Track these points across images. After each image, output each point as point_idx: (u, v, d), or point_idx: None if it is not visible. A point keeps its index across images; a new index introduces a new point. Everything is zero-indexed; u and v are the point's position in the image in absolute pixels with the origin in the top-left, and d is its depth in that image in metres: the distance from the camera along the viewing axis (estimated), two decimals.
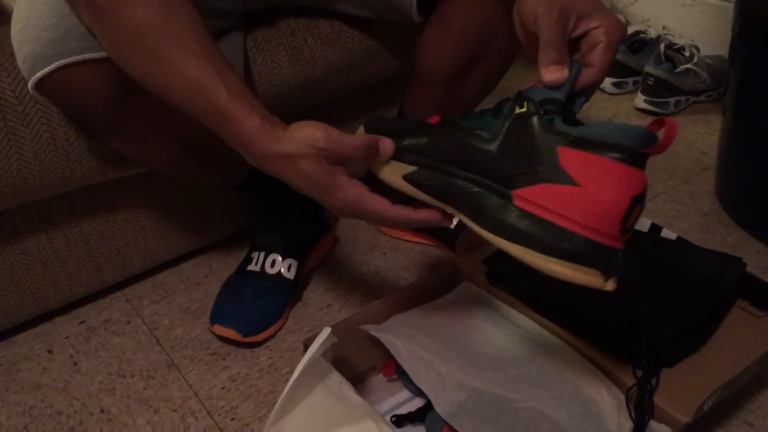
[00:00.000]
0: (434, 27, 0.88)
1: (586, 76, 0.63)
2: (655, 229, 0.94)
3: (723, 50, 1.25)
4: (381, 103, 1.20)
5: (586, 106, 0.67)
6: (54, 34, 0.70)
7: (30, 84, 0.73)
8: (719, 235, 1.14)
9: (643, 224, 0.95)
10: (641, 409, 0.72)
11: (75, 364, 0.94)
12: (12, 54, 0.77)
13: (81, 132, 0.84)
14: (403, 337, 0.80)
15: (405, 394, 0.83)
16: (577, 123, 0.61)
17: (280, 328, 0.97)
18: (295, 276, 1.00)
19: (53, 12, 0.71)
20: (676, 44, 1.52)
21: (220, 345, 0.96)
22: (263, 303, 0.96)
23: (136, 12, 0.63)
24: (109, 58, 0.71)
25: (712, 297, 0.83)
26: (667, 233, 0.94)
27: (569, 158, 0.58)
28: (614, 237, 0.58)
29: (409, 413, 0.79)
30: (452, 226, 1.06)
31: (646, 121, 1.26)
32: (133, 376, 0.92)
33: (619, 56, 1.32)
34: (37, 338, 0.98)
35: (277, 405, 0.72)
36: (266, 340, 0.95)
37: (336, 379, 0.74)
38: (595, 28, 0.62)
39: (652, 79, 1.48)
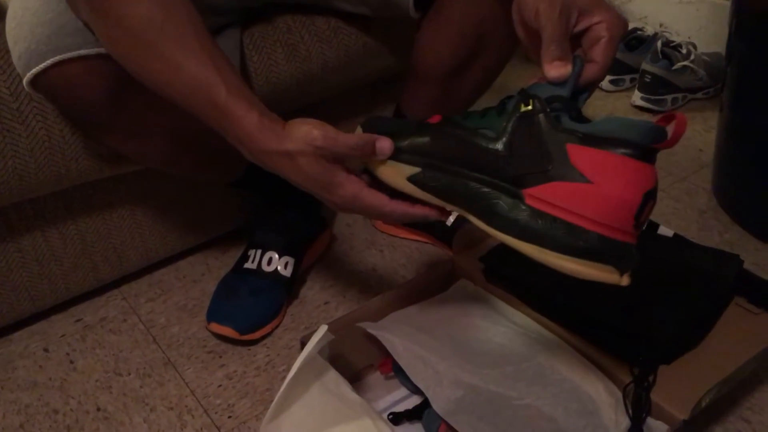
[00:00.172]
0: (431, 24, 0.88)
1: (589, 71, 0.62)
2: (652, 226, 0.94)
3: (720, 47, 1.25)
4: (378, 101, 1.20)
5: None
6: (49, 30, 0.70)
7: (25, 81, 0.73)
8: (716, 232, 1.14)
9: None
10: (638, 406, 0.72)
11: (71, 362, 0.94)
12: (7, 51, 0.76)
13: (76, 129, 0.84)
14: (400, 335, 0.80)
15: (402, 391, 0.83)
16: (584, 119, 0.61)
17: (276, 326, 0.97)
18: (292, 274, 0.99)
19: (48, 8, 0.70)
20: (673, 41, 1.52)
21: (217, 343, 0.95)
22: (260, 301, 0.96)
23: (136, 9, 0.63)
24: (105, 54, 0.70)
25: (710, 294, 0.83)
26: (664, 230, 0.94)
27: (579, 155, 0.58)
28: (628, 233, 0.58)
29: (407, 411, 0.79)
30: (449, 223, 1.07)
31: (643, 118, 1.26)
32: (129, 374, 0.92)
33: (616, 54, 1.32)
34: (33, 336, 0.98)
35: (273, 403, 0.72)
36: (263, 338, 0.95)
37: (333, 377, 0.74)
38: (596, 24, 0.62)
39: (649, 77, 1.48)
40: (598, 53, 0.62)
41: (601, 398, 0.74)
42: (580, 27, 0.63)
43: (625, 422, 0.72)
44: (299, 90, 1.00)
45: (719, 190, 1.21)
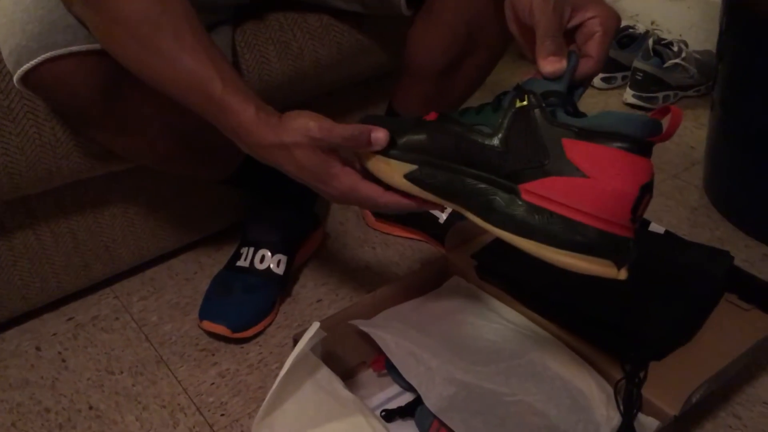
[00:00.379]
0: (424, 21, 0.88)
1: (584, 66, 0.62)
2: (644, 223, 0.95)
3: (711, 45, 1.25)
4: (371, 98, 1.20)
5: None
6: (40, 26, 0.70)
7: (15, 78, 0.72)
8: (707, 229, 1.15)
9: None
10: (630, 402, 0.72)
11: (63, 360, 0.94)
12: None
13: (68, 127, 0.84)
14: (392, 332, 0.80)
15: (395, 388, 0.83)
16: (579, 114, 0.61)
17: (269, 324, 0.97)
18: (285, 271, 0.99)
19: (39, 4, 0.70)
20: (664, 39, 1.53)
21: (210, 341, 0.95)
22: (252, 299, 0.96)
23: (132, 4, 0.63)
24: (97, 51, 0.70)
25: (701, 290, 0.84)
26: (656, 227, 0.95)
27: (575, 150, 0.58)
28: (625, 226, 0.58)
29: (399, 408, 0.79)
30: (441, 220, 1.07)
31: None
32: (121, 372, 0.91)
33: None
34: (24, 335, 0.98)
35: (266, 400, 0.72)
36: (256, 335, 0.95)
37: (325, 374, 0.74)
38: (590, 19, 0.62)
39: (641, 74, 1.49)
40: (593, 48, 0.62)
41: (593, 394, 0.75)
42: (573, 22, 0.63)
43: (617, 418, 0.72)
44: (292, 87, 0.99)
45: (710, 187, 1.22)
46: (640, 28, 1.65)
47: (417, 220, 1.11)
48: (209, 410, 0.85)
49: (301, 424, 0.73)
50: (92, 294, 1.04)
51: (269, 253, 0.99)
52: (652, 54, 1.50)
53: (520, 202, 0.60)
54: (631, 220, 0.58)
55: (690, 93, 1.55)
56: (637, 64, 1.49)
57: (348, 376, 0.84)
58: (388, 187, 0.67)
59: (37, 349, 0.96)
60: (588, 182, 0.57)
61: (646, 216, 0.96)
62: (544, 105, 0.60)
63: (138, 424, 0.84)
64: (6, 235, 0.92)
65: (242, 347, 0.94)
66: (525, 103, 0.61)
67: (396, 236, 1.14)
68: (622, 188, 0.57)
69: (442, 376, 0.76)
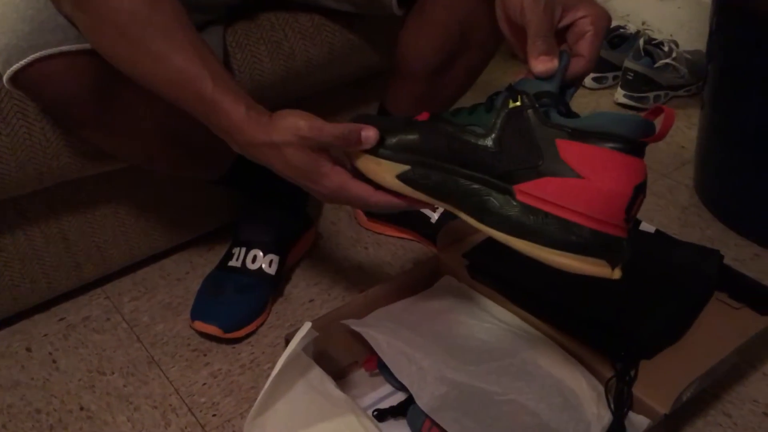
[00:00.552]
0: (415, 21, 0.88)
1: (576, 65, 0.63)
2: (634, 222, 0.95)
3: (702, 45, 1.26)
4: (363, 98, 1.20)
5: None
6: (30, 26, 0.69)
7: (5, 77, 0.72)
8: (698, 228, 1.15)
9: None
10: (620, 401, 0.73)
11: (54, 361, 0.93)
12: None
13: (58, 127, 0.83)
14: (384, 332, 0.80)
15: (387, 388, 0.84)
16: (572, 114, 0.61)
17: (261, 324, 0.97)
18: (277, 271, 0.99)
19: (29, 4, 0.70)
20: (655, 39, 1.54)
21: (201, 341, 0.95)
22: (244, 299, 0.95)
23: (122, 3, 0.63)
24: (87, 50, 0.70)
25: (691, 289, 0.84)
26: (646, 226, 0.95)
27: (569, 150, 0.58)
28: (619, 226, 0.59)
29: (391, 407, 0.79)
30: (433, 220, 1.07)
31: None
32: (113, 373, 0.91)
33: None
34: (15, 336, 0.97)
35: (258, 400, 0.72)
36: (248, 335, 0.95)
37: (317, 374, 0.74)
38: (581, 18, 0.63)
39: (632, 74, 1.50)
40: (584, 47, 0.63)
41: (584, 393, 0.75)
42: (564, 22, 0.63)
43: (607, 416, 0.73)
44: (283, 87, 0.99)
45: (701, 187, 1.22)
46: (631, 28, 1.66)
47: (409, 220, 1.11)
48: (201, 410, 0.85)
49: (293, 424, 0.73)
50: (83, 294, 1.04)
51: (261, 253, 0.99)
52: (642, 54, 1.50)
53: (514, 203, 0.61)
54: (625, 220, 0.59)
55: (681, 93, 1.56)
56: (628, 64, 1.50)
57: (340, 375, 0.85)
58: (378, 186, 0.67)
59: (28, 350, 0.95)
60: (582, 183, 0.58)
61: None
62: (537, 105, 0.60)
63: (129, 424, 0.84)
64: None
65: (234, 347, 0.94)
66: (518, 103, 0.61)
67: (388, 236, 1.14)
68: (617, 189, 0.57)
69: (433, 375, 0.76)
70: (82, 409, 0.86)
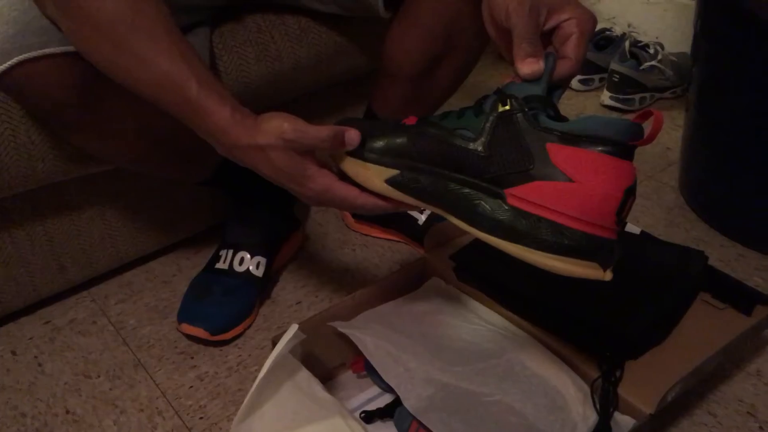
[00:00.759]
0: (401, 23, 0.89)
1: (563, 67, 0.63)
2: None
3: (687, 47, 1.27)
4: (350, 100, 1.20)
5: None
6: (14, 28, 0.69)
7: None
8: (683, 229, 1.16)
9: None
10: (606, 401, 0.73)
11: (39, 365, 0.93)
12: None
13: (43, 129, 0.83)
14: (371, 333, 0.80)
15: (374, 390, 0.84)
16: (560, 117, 0.62)
17: (248, 327, 0.97)
18: (264, 274, 0.99)
19: (12, 6, 0.70)
20: (640, 42, 1.55)
21: (188, 344, 0.95)
22: (231, 301, 0.95)
23: (105, 5, 0.63)
24: (71, 52, 0.70)
25: (676, 290, 0.85)
26: (632, 228, 0.96)
27: (560, 154, 0.59)
28: (610, 229, 0.59)
29: (378, 409, 0.79)
30: (421, 222, 1.07)
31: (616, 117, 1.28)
32: (99, 376, 0.91)
33: None
34: (0, 339, 0.97)
35: (244, 403, 0.72)
36: (235, 338, 0.95)
37: (304, 377, 0.74)
38: (566, 21, 0.63)
39: (618, 76, 1.50)
40: (570, 49, 0.63)
41: (570, 393, 0.75)
42: (550, 24, 0.64)
43: (593, 417, 0.73)
44: (270, 89, 0.99)
45: (686, 188, 1.23)
46: (617, 31, 1.67)
47: (396, 222, 1.11)
48: (188, 413, 0.85)
49: (280, 426, 0.73)
50: (69, 297, 1.03)
51: (248, 255, 0.98)
52: (628, 56, 1.51)
53: (506, 207, 0.61)
54: (616, 222, 0.59)
55: (666, 95, 1.57)
56: (614, 66, 1.51)
57: (327, 377, 0.85)
58: (365, 189, 0.67)
59: (13, 353, 0.95)
60: (574, 186, 0.58)
61: None
62: (526, 109, 0.60)
63: (116, 428, 0.84)
64: None
65: (221, 350, 0.94)
66: (507, 107, 0.61)
67: (376, 238, 1.14)
68: (608, 192, 0.58)
69: (420, 376, 0.76)
70: (68, 412, 0.86)
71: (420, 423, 0.72)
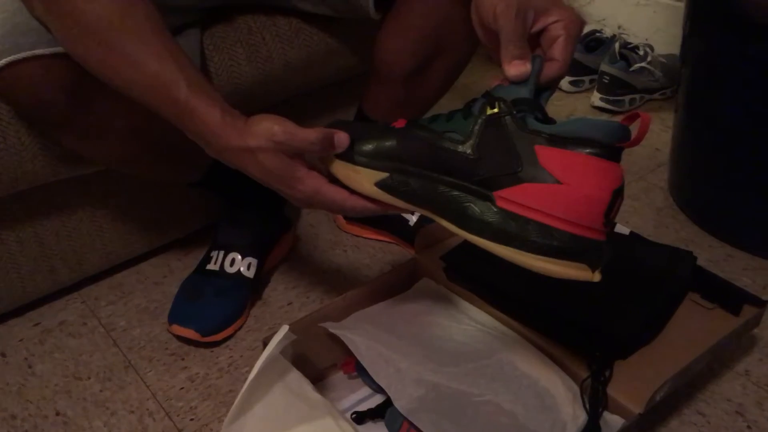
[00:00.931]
0: (392, 24, 0.89)
1: (550, 69, 0.63)
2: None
3: (676, 49, 1.28)
4: (341, 102, 1.20)
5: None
6: (3, 29, 0.69)
7: None
8: (672, 229, 1.17)
9: None
10: (595, 401, 0.74)
11: (29, 366, 0.92)
12: None
13: (32, 130, 0.83)
14: (362, 334, 0.80)
15: (365, 390, 0.84)
16: (549, 120, 0.62)
17: (239, 328, 0.97)
18: (255, 275, 0.99)
19: (2, 8, 0.70)
20: (630, 43, 1.56)
21: (179, 345, 0.95)
22: (222, 302, 0.95)
23: (94, 7, 0.63)
24: (61, 54, 0.70)
25: (665, 290, 0.85)
26: (621, 228, 0.96)
27: (548, 156, 0.59)
28: (599, 230, 0.60)
29: (369, 410, 0.79)
30: (411, 223, 1.07)
31: (604, 118, 1.29)
32: (89, 378, 0.90)
33: (575, 55, 1.34)
34: None
35: (235, 404, 0.72)
36: (226, 339, 0.95)
37: (295, 377, 0.74)
38: (553, 23, 0.63)
39: (608, 78, 1.51)
40: (557, 51, 0.63)
41: (560, 393, 0.76)
42: (537, 27, 0.64)
43: (583, 416, 0.73)
44: (261, 91, 0.99)
45: (675, 189, 1.24)
46: (607, 32, 1.68)
47: (387, 223, 1.11)
48: (178, 415, 0.85)
49: (271, 427, 0.73)
50: (59, 299, 1.03)
51: (239, 257, 0.98)
52: (618, 58, 1.52)
53: (495, 209, 0.61)
54: (605, 223, 0.60)
55: (656, 96, 1.58)
56: (604, 67, 1.52)
57: (318, 378, 0.85)
58: (354, 191, 0.67)
59: (3, 354, 0.94)
60: (562, 188, 0.58)
61: None
62: (514, 112, 0.61)
63: (106, 430, 0.83)
64: None
65: (212, 351, 0.94)
66: (496, 110, 0.61)
67: (367, 239, 1.14)
68: (596, 194, 0.58)
69: (411, 377, 0.76)
70: (58, 414, 0.86)
71: (411, 423, 0.72)
